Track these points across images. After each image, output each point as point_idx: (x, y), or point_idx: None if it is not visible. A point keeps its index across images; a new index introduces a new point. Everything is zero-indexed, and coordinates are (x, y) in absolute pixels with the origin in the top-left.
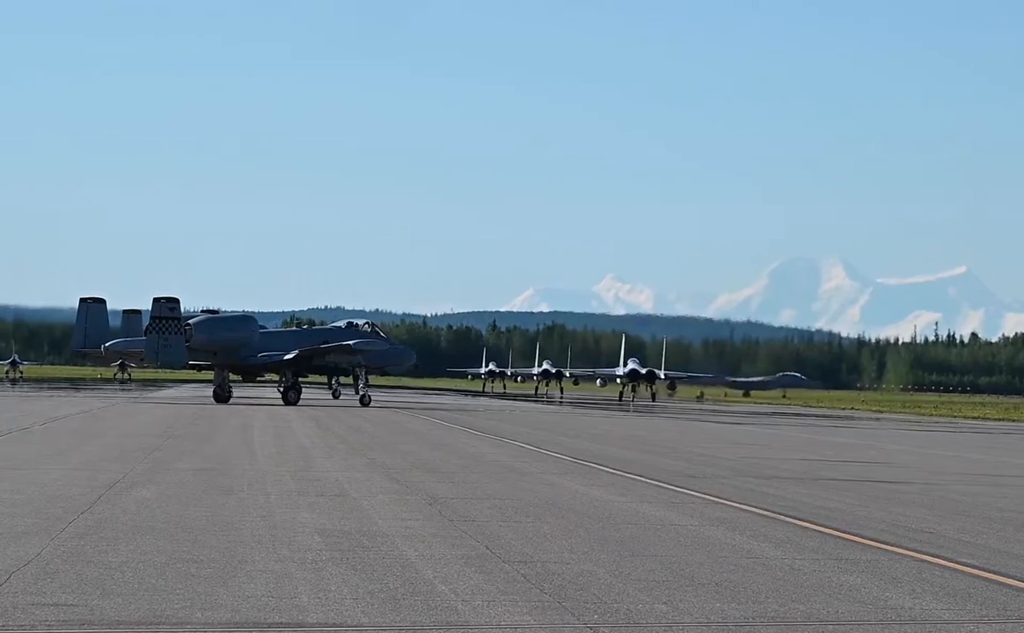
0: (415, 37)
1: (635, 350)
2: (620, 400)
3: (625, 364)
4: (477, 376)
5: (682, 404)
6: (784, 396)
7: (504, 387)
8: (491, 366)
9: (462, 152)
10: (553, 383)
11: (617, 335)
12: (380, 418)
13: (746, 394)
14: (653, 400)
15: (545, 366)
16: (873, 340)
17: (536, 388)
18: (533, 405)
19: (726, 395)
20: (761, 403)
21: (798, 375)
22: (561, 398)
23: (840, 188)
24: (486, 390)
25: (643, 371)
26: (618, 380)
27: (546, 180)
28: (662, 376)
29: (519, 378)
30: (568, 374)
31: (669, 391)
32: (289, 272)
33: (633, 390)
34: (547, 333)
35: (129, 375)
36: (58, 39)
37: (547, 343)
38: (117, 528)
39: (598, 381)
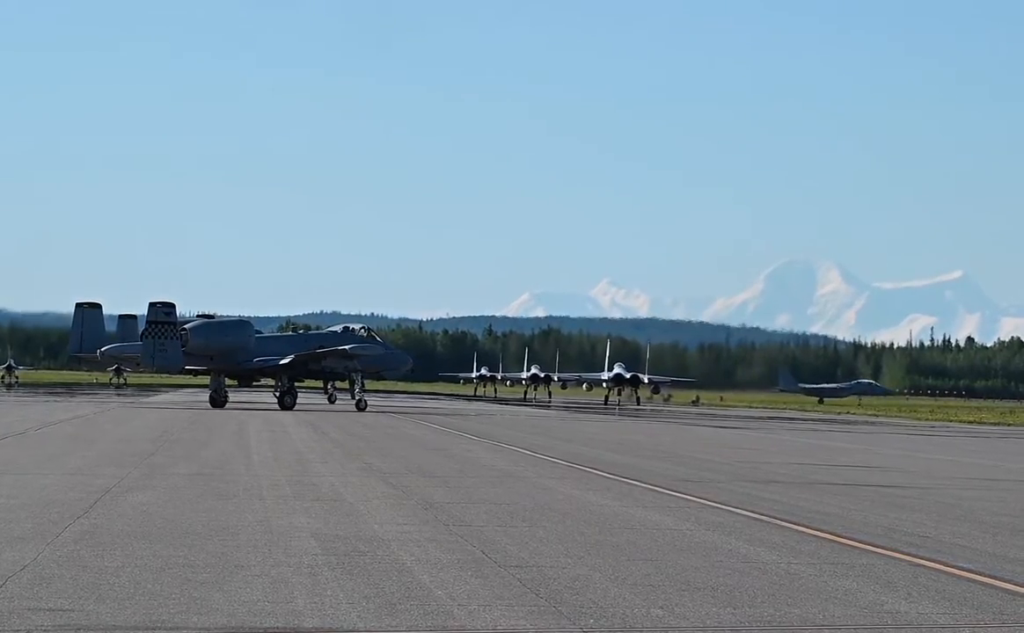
0: (412, 44)
1: (629, 355)
2: (606, 403)
3: (611, 368)
4: (469, 380)
5: (678, 408)
6: (859, 404)
7: (495, 391)
8: (483, 370)
9: (458, 156)
10: (541, 387)
11: (613, 340)
12: (376, 423)
13: (820, 401)
14: (638, 404)
15: (534, 370)
16: (869, 344)
17: (525, 392)
18: (525, 409)
19: (721, 399)
20: (835, 411)
21: (873, 382)
22: (549, 402)
23: (836, 192)
24: (478, 394)
25: (628, 375)
26: (604, 384)
27: (542, 185)
28: (646, 380)
29: (508, 382)
30: (556, 378)
31: (655, 395)
32: (285, 277)
33: (619, 394)
34: (542, 337)
35: (125, 380)
36: (55, 41)
37: (542, 347)
38: (113, 533)
39: (584, 385)
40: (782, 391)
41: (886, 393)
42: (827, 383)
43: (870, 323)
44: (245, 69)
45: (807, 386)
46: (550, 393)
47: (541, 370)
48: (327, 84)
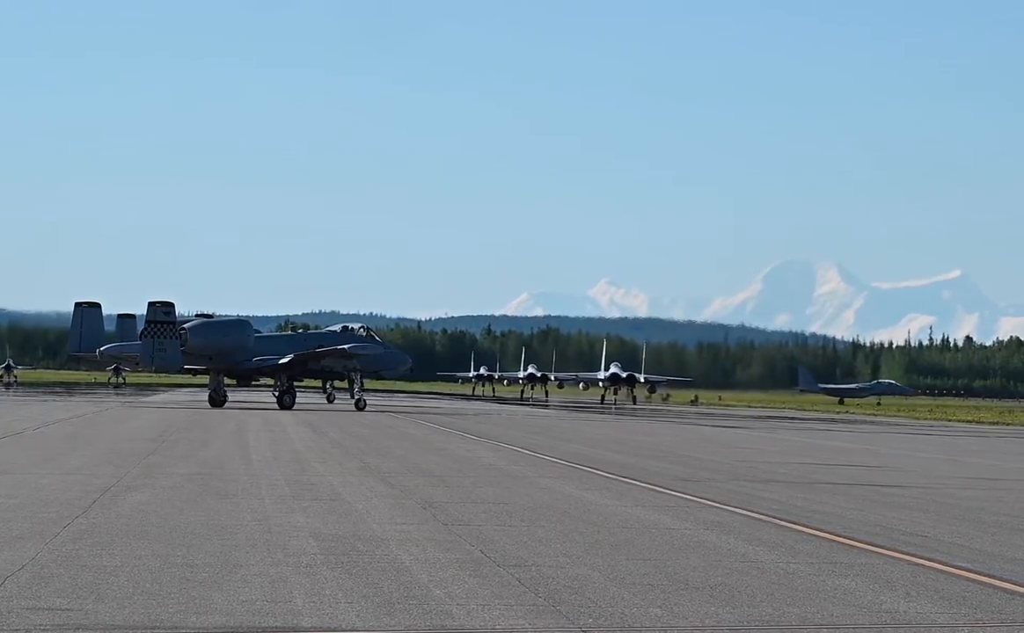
0: (412, 44)
1: (627, 354)
2: (602, 403)
3: (607, 368)
4: (467, 380)
5: (677, 408)
6: (879, 404)
7: (493, 391)
8: (481, 370)
9: (457, 156)
10: (539, 387)
11: (612, 339)
12: (375, 422)
13: (840, 402)
14: (634, 403)
15: (530, 370)
16: (867, 344)
17: (522, 392)
18: (523, 409)
19: (720, 398)
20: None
21: (894, 382)
22: (546, 401)
23: (834, 192)
24: (476, 393)
25: (624, 375)
26: (600, 384)
27: (541, 185)
28: (642, 380)
29: (506, 382)
30: (553, 378)
31: (652, 395)
32: (284, 276)
33: (615, 393)
34: (541, 337)
35: (124, 379)
36: (53, 42)
37: (541, 347)
38: (112, 532)
39: (580, 385)
40: (802, 391)
41: (906, 393)
42: (838, 384)
43: (869, 323)
44: (245, 69)
45: (827, 386)
46: (547, 392)
47: (539, 370)
48: (327, 84)
